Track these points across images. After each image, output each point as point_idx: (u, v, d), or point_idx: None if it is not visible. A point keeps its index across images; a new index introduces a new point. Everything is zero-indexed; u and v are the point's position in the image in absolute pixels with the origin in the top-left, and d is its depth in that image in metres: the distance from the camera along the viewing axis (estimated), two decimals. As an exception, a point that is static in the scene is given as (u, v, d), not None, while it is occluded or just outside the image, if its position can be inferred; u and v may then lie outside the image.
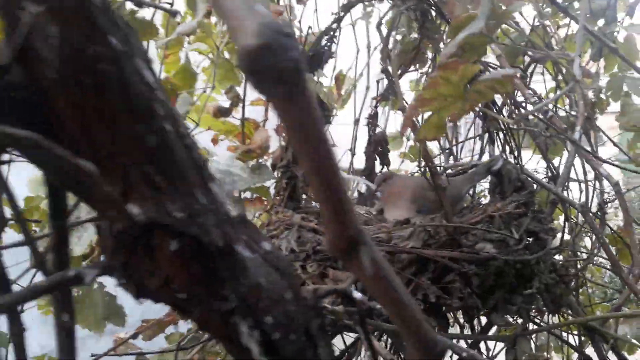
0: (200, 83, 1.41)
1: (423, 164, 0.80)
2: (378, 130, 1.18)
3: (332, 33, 0.91)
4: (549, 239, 0.87)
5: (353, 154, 1.28)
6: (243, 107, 1.44)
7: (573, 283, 1.13)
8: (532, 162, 1.38)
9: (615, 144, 1.27)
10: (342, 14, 0.91)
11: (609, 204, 1.30)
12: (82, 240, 0.78)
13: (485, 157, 1.28)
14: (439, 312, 0.77)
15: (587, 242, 1.50)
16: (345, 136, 1.49)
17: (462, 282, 0.74)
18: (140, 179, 0.29)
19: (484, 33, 0.47)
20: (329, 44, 0.92)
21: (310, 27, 0.97)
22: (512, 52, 1.33)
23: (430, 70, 1.33)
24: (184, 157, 0.31)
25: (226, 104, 1.46)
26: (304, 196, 1.06)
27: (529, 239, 0.86)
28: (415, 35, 1.21)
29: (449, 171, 1.20)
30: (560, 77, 1.33)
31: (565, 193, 1.18)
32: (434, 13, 0.98)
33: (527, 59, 1.37)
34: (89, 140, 0.28)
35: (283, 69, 0.17)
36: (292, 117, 0.18)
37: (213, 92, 1.38)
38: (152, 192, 0.29)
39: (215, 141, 1.55)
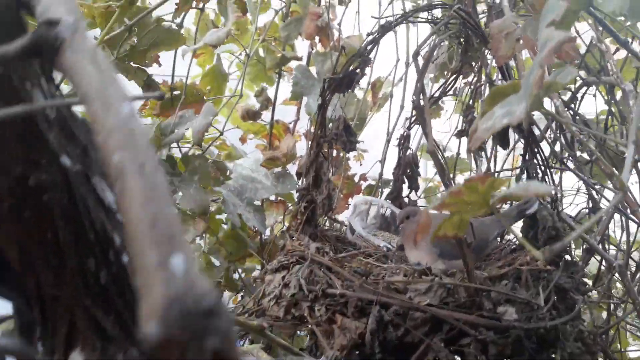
0: (233, 81, 1.36)
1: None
2: (409, 152, 1.12)
3: (365, 54, 0.85)
4: (579, 299, 0.80)
5: (381, 175, 1.22)
6: (273, 110, 1.39)
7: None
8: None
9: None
10: (378, 34, 0.85)
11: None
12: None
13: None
14: (450, 374, 0.72)
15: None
16: (378, 136, 1.43)
17: (478, 349, 0.68)
18: (87, 325, 0.25)
19: (526, 116, 0.41)
20: (361, 66, 0.86)
21: (343, 49, 0.90)
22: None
23: (474, 79, 1.25)
24: (144, 291, 0.26)
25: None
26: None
27: (556, 296, 0.79)
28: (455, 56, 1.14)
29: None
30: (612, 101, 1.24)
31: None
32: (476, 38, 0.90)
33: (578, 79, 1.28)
34: (33, 280, 0.25)
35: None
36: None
37: (245, 88, 1.34)
38: (100, 341, 0.25)
39: (244, 140, 1.52)
